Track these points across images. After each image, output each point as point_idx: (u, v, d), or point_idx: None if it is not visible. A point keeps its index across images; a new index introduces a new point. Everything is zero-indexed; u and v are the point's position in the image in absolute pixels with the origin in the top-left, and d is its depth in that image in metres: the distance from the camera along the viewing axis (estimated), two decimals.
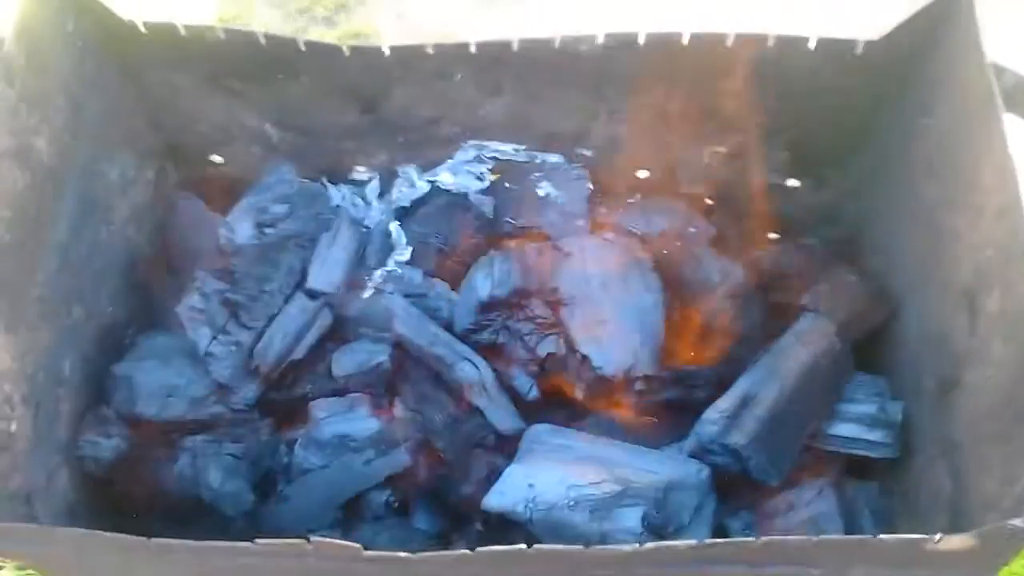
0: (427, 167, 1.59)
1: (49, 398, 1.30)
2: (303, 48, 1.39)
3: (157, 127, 1.57)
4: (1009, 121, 1.16)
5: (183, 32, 1.39)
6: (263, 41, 1.39)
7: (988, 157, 1.16)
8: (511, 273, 1.41)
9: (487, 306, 1.41)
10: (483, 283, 1.42)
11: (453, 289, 1.49)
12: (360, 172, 1.62)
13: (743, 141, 1.52)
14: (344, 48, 1.40)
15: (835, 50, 1.34)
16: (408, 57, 1.42)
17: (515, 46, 1.38)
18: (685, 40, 1.36)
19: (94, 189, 1.41)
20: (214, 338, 1.40)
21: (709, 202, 1.61)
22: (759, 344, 1.38)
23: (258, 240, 1.46)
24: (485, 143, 1.56)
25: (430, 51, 1.40)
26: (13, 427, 1.21)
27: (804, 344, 1.31)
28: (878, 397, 1.33)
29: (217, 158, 1.64)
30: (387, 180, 1.61)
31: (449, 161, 1.58)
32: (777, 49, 1.35)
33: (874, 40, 1.33)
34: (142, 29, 1.40)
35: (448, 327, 1.44)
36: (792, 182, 1.58)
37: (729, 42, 1.35)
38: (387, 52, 1.40)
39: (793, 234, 1.60)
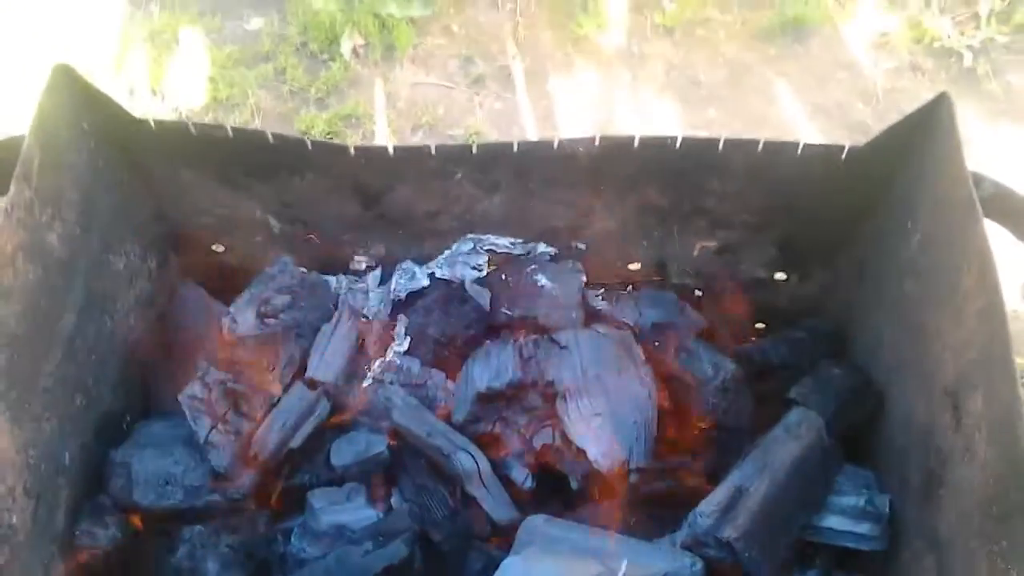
0: (425, 259, 1.64)
1: (49, 488, 1.31)
2: (310, 147, 1.44)
3: (162, 218, 1.61)
4: (989, 226, 1.22)
5: (193, 130, 1.44)
6: (271, 140, 1.44)
7: (969, 261, 1.21)
8: (508, 365, 1.45)
9: (484, 397, 1.44)
10: (480, 375, 1.45)
11: (451, 379, 1.52)
12: (359, 262, 1.66)
13: (731, 237, 1.58)
14: (350, 147, 1.45)
15: (821, 155, 1.41)
16: (411, 157, 1.47)
17: (515, 147, 1.44)
18: (678, 143, 1.42)
19: (101, 280, 1.45)
20: (214, 427, 1.42)
21: (699, 294, 1.66)
22: (748, 435, 1.42)
23: (260, 330, 1.49)
24: (482, 236, 1.61)
25: (432, 151, 1.45)
26: (14, 519, 1.22)
27: (794, 437, 1.34)
28: (866, 490, 1.35)
29: (219, 247, 1.67)
30: (386, 271, 1.65)
31: (447, 252, 1.63)
32: (766, 153, 1.42)
33: (858, 146, 1.40)
34: (153, 127, 1.44)
35: (446, 417, 1.46)
36: (779, 276, 1.63)
37: (719, 146, 1.41)
38: (391, 151, 1.45)
39: (780, 326, 1.65)
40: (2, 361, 1.18)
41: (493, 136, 2.65)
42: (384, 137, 2.66)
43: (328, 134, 2.64)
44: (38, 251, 1.27)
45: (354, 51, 2.86)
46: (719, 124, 2.66)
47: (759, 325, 1.68)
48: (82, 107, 1.39)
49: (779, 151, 1.41)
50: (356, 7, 2.90)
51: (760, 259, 1.61)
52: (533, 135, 2.65)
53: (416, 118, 2.72)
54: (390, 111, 2.75)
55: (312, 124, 2.66)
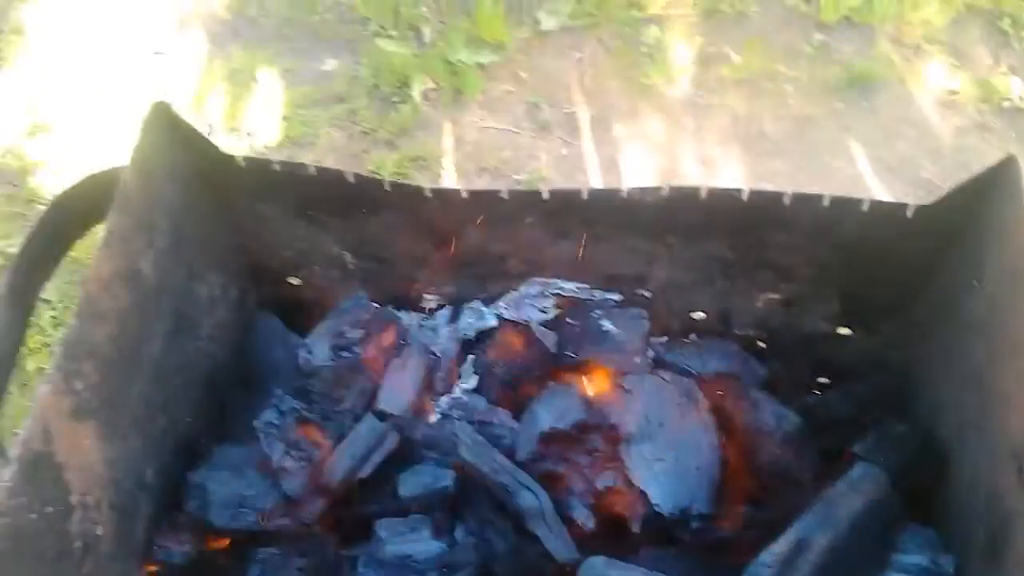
0: (493, 300, 1.68)
1: (131, 503, 1.37)
2: (388, 188, 1.50)
3: (244, 250, 1.68)
4: None
5: (277, 167, 1.51)
6: (351, 180, 1.50)
7: None
8: (572, 407, 1.48)
9: (548, 437, 1.47)
10: (544, 415, 1.48)
11: (515, 418, 1.55)
12: (429, 300, 1.71)
13: (796, 290, 1.59)
14: (426, 189, 1.50)
15: (887, 212, 1.43)
16: (483, 200, 1.52)
17: (584, 195, 1.48)
18: (745, 196, 1.45)
19: (186, 307, 1.51)
20: (287, 453, 1.47)
21: (762, 345, 1.68)
22: (810, 488, 1.42)
23: (334, 362, 1.54)
24: (549, 280, 1.65)
25: (505, 196, 1.50)
26: (99, 531, 1.28)
27: (857, 492, 1.34)
28: (929, 549, 1.35)
29: (295, 280, 1.74)
30: (455, 310, 1.70)
31: (514, 294, 1.67)
32: (831, 209, 1.44)
33: (924, 205, 1.41)
34: (241, 163, 1.51)
35: (510, 455, 1.49)
36: (843, 330, 1.64)
37: (786, 200, 1.44)
38: (465, 195, 1.50)
39: (843, 379, 1.66)
40: (96, 380, 1.25)
41: (558, 181, 2.69)
42: (451, 179, 2.72)
43: (397, 174, 2.70)
44: (131, 277, 1.34)
45: (424, 95, 2.94)
46: (784, 176, 2.68)
47: (822, 379, 1.69)
48: (176, 143, 1.46)
49: (845, 207, 1.43)
50: (427, 52, 2.99)
51: (824, 313, 1.62)
52: (597, 182, 2.69)
53: (482, 161, 2.77)
54: (457, 154, 2.81)
55: (382, 164, 2.73)
